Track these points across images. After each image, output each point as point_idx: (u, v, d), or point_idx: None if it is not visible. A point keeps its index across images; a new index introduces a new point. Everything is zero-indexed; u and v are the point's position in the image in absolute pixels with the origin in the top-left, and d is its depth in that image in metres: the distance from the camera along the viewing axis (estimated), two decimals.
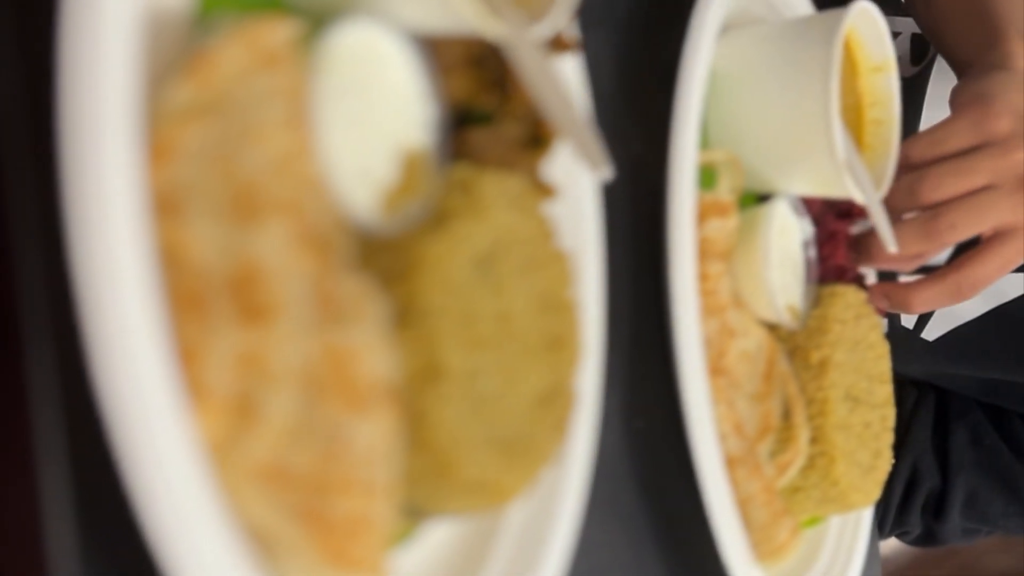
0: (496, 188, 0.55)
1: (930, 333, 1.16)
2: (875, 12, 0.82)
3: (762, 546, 0.78)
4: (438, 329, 0.51)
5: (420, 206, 0.54)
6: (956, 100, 0.86)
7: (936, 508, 1.19)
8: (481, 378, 0.53)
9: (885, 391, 0.86)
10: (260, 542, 0.46)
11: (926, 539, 1.23)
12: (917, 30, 1.14)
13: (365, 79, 0.53)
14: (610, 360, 0.68)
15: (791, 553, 0.80)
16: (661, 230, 0.73)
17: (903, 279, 0.93)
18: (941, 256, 0.95)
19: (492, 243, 0.54)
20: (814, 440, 0.80)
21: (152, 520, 0.43)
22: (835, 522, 0.88)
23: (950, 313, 1.15)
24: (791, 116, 0.78)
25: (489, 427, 0.53)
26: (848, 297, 0.84)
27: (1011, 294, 1.12)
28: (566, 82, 0.64)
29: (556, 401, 0.57)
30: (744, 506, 0.76)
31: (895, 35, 1.10)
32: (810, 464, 0.81)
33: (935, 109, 1.12)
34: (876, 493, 0.85)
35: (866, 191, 0.81)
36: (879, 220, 0.82)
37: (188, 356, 0.44)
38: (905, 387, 1.20)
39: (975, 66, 0.87)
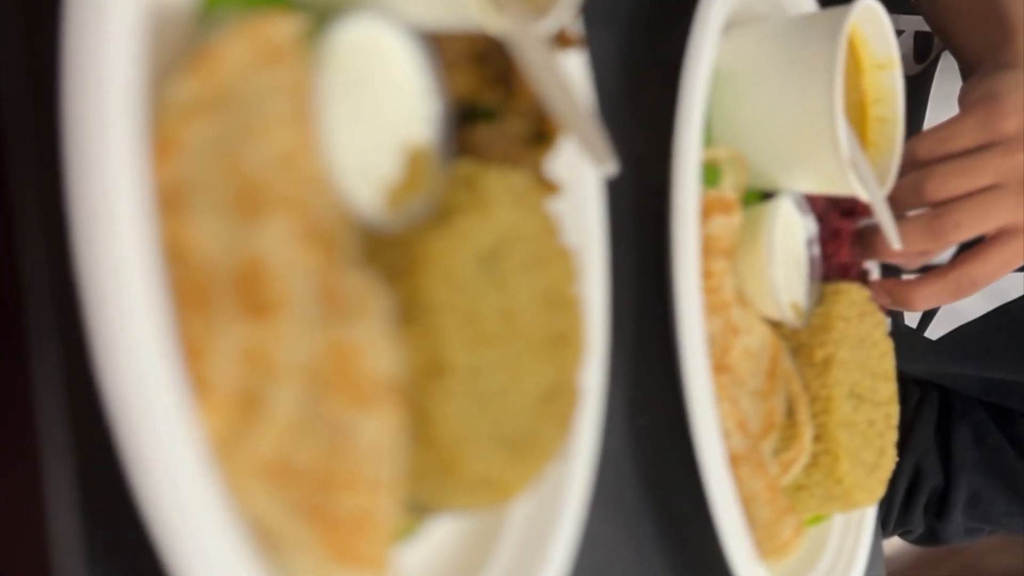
0: (500, 184, 0.55)
1: (933, 332, 1.16)
2: (879, 9, 0.82)
3: (765, 544, 0.78)
4: (442, 325, 0.51)
5: (424, 202, 0.54)
6: (965, 98, 0.86)
7: (939, 507, 1.19)
8: (485, 374, 0.53)
9: (889, 389, 0.86)
10: (264, 538, 0.46)
11: (928, 538, 1.23)
12: (921, 28, 1.13)
13: (369, 75, 0.53)
14: (614, 357, 0.68)
15: (794, 551, 0.80)
16: (665, 227, 0.73)
17: (906, 276, 0.93)
18: (944, 254, 0.95)
19: (496, 239, 0.54)
20: (818, 438, 0.80)
21: (156, 516, 0.43)
22: (839, 520, 0.88)
23: (953, 312, 1.15)
24: (795, 113, 0.78)
25: (493, 424, 0.53)
26: (852, 295, 0.84)
27: (1013, 294, 1.12)
28: (570, 78, 0.64)
29: (560, 398, 0.57)
30: (748, 504, 0.76)
31: (898, 33, 1.10)
32: (814, 462, 0.80)
33: (939, 108, 1.12)
34: (880, 491, 0.85)
35: (870, 189, 0.81)
36: (883, 218, 0.82)
37: (192, 352, 0.44)
38: (908, 386, 1.20)
39: (984, 65, 0.87)
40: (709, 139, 0.80)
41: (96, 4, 0.43)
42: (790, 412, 0.80)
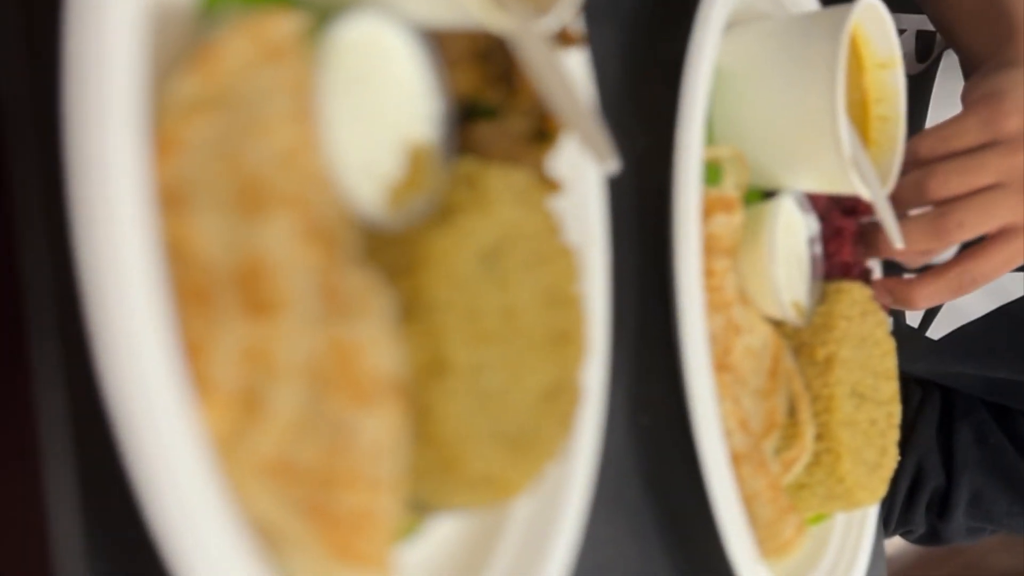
0: (502, 182, 0.55)
1: (935, 332, 1.16)
2: (881, 8, 0.82)
3: (767, 543, 0.77)
4: (443, 324, 0.51)
5: (425, 200, 0.54)
6: (967, 97, 0.85)
7: (940, 507, 1.19)
8: (487, 373, 0.53)
9: (891, 388, 0.86)
10: (266, 537, 0.46)
11: (930, 538, 1.23)
12: (922, 27, 1.13)
13: (370, 73, 0.53)
14: (615, 356, 0.68)
15: (796, 550, 0.80)
16: (667, 226, 0.73)
17: (907, 275, 0.93)
18: (947, 252, 0.95)
19: (498, 238, 0.54)
20: (820, 437, 0.80)
21: (157, 515, 0.42)
22: (840, 520, 0.88)
23: (955, 312, 1.15)
24: (797, 112, 0.78)
25: (495, 422, 0.53)
26: (854, 293, 0.84)
27: (1016, 293, 1.12)
28: (572, 76, 0.64)
29: (561, 396, 0.57)
30: (749, 503, 0.76)
31: (900, 32, 1.10)
32: (816, 461, 0.80)
33: (941, 107, 1.12)
34: (882, 490, 0.85)
35: (872, 187, 0.81)
36: (885, 217, 0.82)
37: (194, 350, 0.44)
38: (910, 385, 1.20)
39: (987, 63, 0.87)
40: (711, 138, 0.79)
41: (97, 3, 0.43)
42: (792, 411, 0.80)
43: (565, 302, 0.58)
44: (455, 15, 0.55)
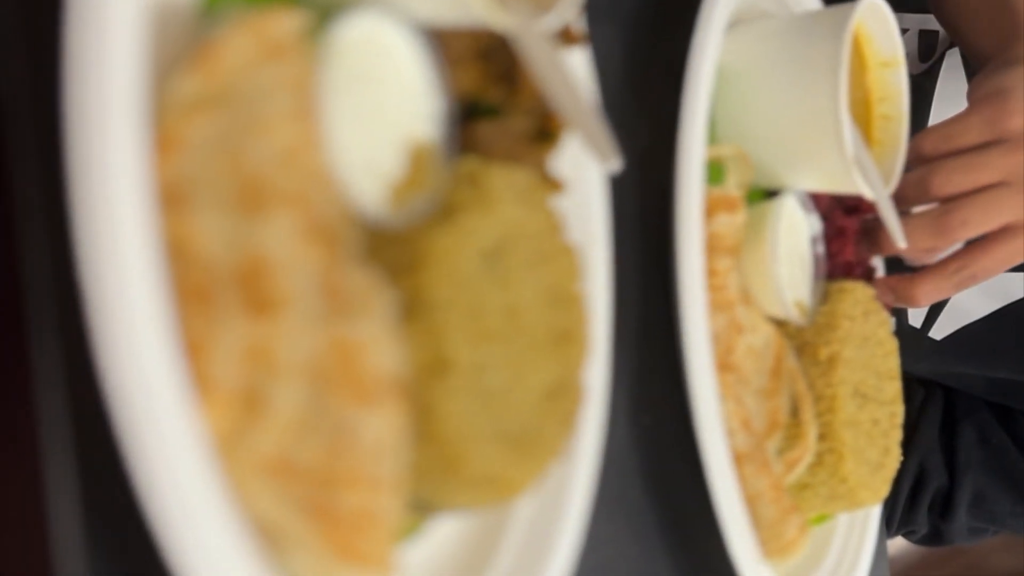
0: (504, 181, 0.55)
1: (938, 332, 1.16)
2: (884, 7, 0.82)
3: (770, 543, 0.77)
4: (445, 322, 0.51)
5: (427, 199, 0.53)
6: (973, 95, 0.85)
7: (943, 507, 1.19)
8: (489, 372, 0.53)
9: (894, 388, 0.86)
10: (267, 536, 0.46)
11: (932, 538, 1.23)
12: (925, 27, 1.13)
13: (372, 71, 0.53)
14: (617, 355, 0.68)
15: (799, 551, 0.80)
16: (669, 225, 0.72)
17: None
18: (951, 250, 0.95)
19: (500, 236, 0.54)
20: (822, 437, 0.80)
21: (158, 514, 0.42)
22: (843, 520, 0.88)
23: (958, 312, 1.15)
24: (800, 111, 0.78)
25: (497, 421, 0.53)
26: (857, 293, 0.83)
27: (1018, 294, 1.12)
28: (574, 75, 0.63)
29: (564, 395, 0.57)
30: (752, 503, 0.76)
31: (903, 31, 1.09)
32: (818, 461, 0.80)
33: (944, 107, 1.12)
34: (884, 491, 0.84)
35: (875, 187, 0.81)
36: (888, 216, 0.81)
37: (194, 349, 0.44)
38: (912, 386, 1.20)
39: (994, 61, 0.87)
40: (713, 137, 0.79)
41: (97, 1, 0.43)
42: (794, 411, 0.80)
43: (567, 301, 0.58)
44: (457, 13, 0.55)
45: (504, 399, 0.53)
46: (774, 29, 0.81)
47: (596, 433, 0.64)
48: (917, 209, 0.85)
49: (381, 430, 0.47)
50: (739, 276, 0.79)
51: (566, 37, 0.61)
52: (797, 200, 0.83)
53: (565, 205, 0.62)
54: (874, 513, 0.90)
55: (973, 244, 0.85)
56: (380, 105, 0.53)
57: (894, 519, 1.20)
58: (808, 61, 0.78)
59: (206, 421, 0.44)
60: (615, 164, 0.58)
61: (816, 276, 0.84)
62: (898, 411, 0.86)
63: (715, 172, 0.77)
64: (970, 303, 1.14)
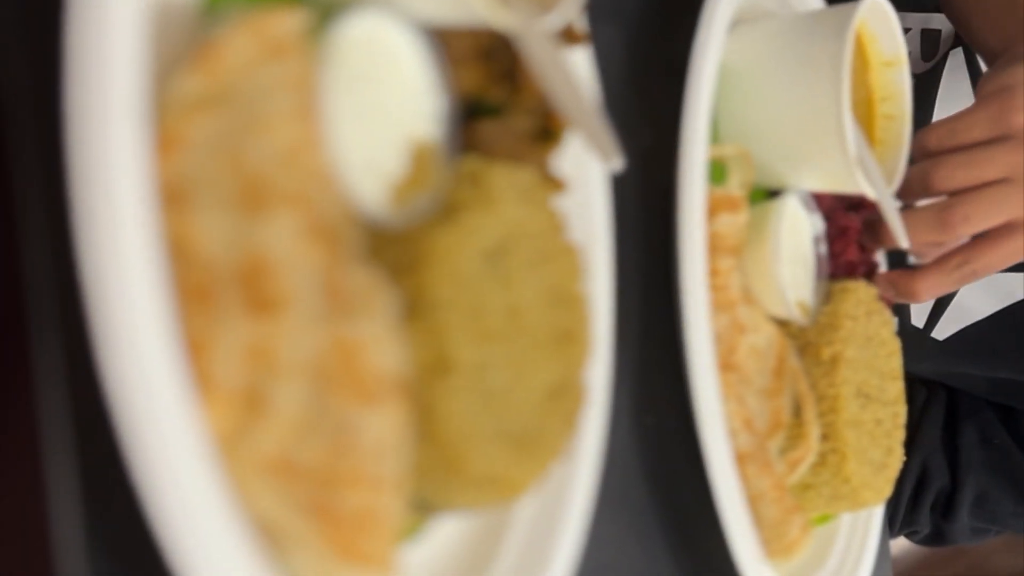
0: (506, 181, 0.55)
1: (940, 332, 1.16)
2: (886, 6, 0.82)
3: (772, 543, 0.77)
4: (447, 322, 0.51)
5: (429, 198, 0.53)
6: (981, 90, 0.85)
7: (945, 507, 1.19)
8: (490, 371, 0.53)
9: (896, 388, 0.86)
10: (268, 536, 0.46)
11: (935, 538, 1.23)
12: (927, 26, 1.13)
13: (374, 70, 0.52)
14: (620, 355, 0.68)
15: (801, 551, 0.80)
16: (671, 225, 0.72)
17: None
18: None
19: (502, 236, 0.54)
20: (825, 437, 0.80)
21: (159, 514, 0.42)
22: (846, 520, 0.88)
23: (961, 312, 1.15)
24: (802, 111, 0.78)
25: (498, 421, 0.53)
26: (859, 293, 0.83)
27: (1020, 294, 1.12)
28: (576, 74, 0.63)
29: (566, 395, 0.57)
30: (754, 503, 0.76)
31: (905, 31, 1.09)
32: (821, 461, 0.80)
33: (947, 107, 1.12)
34: (887, 491, 0.84)
35: (877, 186, 0.81)
36: (890, 215, 0.81)
37: (196, 349, 0.44)
38: (915, 386, 1.20)
39: (1003, 56, 0.87)
40: (716, 136, 0.79)
41: (98, 1, 0.42)
42: (797, 411, 0.80)
43: (569, 301, 0.58)
44: (459, 13, 0.54)
45: (506, 399, 0.53)
46: (776, 28, 0.81)
47: (598, 433, 0.64)
48: (921, 203, 0.85)
49: (382, 430, 0.47)
50: (741, 276, 0.79)
51: (568, 36, 0.61)
52: (799, 200, 0.83)
53: (567, 205, 0.62)
54: (877, 513, 0.90)
55: (975, 240, 0.85)
56: (382, 104, 0.53)
57: (896, 519, 1.20)
58: (810, 61, 0.78)
59: (207, 420, 0.44)
60: (617, 164, 0.58)
61: (818, 276, 0.84)
62: (901, 411, 0.86)
63: (717, 172, 0.77)
64: (973, 303, 1.14)
